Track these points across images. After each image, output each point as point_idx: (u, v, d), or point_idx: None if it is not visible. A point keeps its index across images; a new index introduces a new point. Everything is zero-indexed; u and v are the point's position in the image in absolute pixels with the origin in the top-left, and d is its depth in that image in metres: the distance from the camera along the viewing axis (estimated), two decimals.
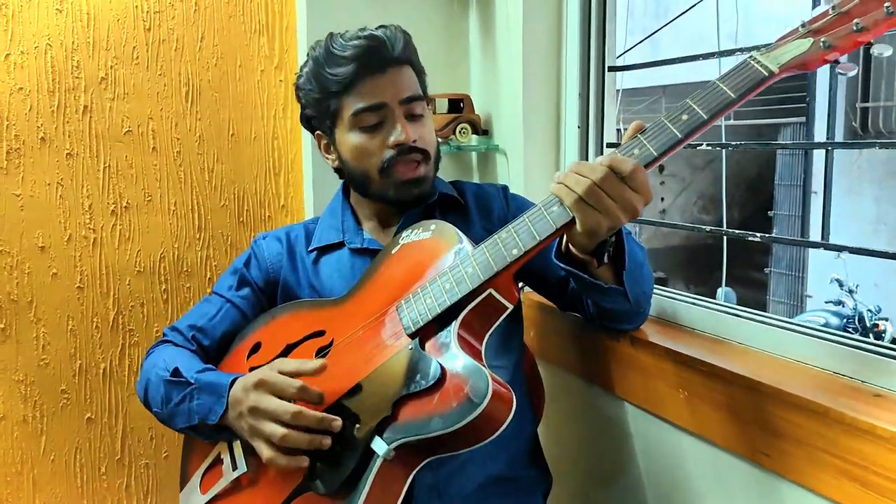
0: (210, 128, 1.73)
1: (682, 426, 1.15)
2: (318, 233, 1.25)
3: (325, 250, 1.23)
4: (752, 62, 0.88)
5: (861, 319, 5.61)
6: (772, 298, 8.67)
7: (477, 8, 1.77)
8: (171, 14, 1.67)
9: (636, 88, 9.76)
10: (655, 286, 1.31)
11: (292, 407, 0.94)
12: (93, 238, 1.65)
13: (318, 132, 1.23)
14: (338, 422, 0.95)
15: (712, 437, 1.10)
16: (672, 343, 1.18)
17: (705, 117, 0.88)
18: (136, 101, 1.66)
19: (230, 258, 1.75)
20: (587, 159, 1.59)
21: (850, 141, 1.78)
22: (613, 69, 1.56)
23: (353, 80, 1.13)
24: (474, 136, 1.75)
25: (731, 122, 8.41)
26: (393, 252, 1.11)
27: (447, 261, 1.01)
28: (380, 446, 0.91)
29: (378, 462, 0.91)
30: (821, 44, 0.85)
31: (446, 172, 1.77)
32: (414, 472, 0.92)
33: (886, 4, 0.80)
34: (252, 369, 1.12)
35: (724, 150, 5.64)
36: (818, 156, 7.16)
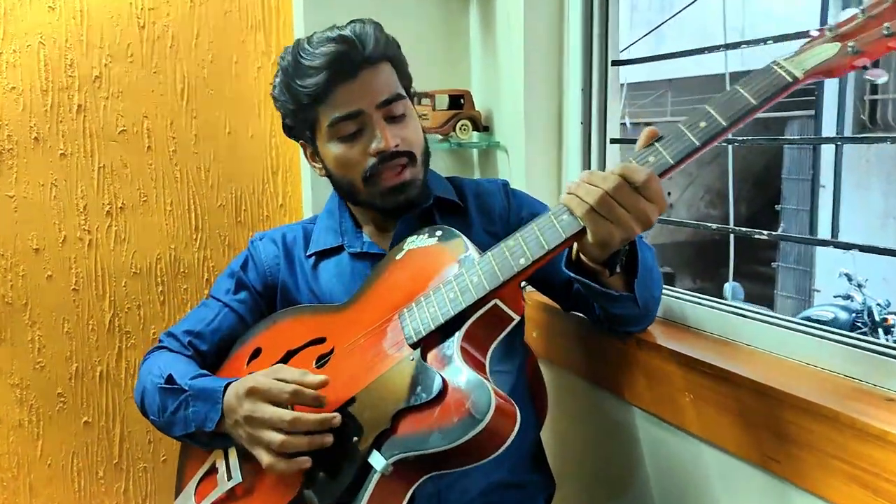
0: (206, 126, 1.70)
1: (688, 430, 1.12)
2: (317, 235, 1.22)
3: (324, 254, 1.20)
4: (775, 67, 0.84)
5: (870, 314, 5.58)
6: (779, 293, 8.63)
7: (477, 2, 1.74)
8: (166, 11, 1.64)
9: (642, 82, 9.72)
10: (668, 288, 1.28)
11: (288, 414, 0.91)
12: (88, 239, 1.63)
13: (301, 141, 1.19)
14: (337, 418, 0.92)
15: (720, 442, 1.07)
16: (678, 345, 1.15)
17: (725, 124, 0.84)
18: (131, 99, 1.63)
19: (228, 258, 1.72)
20: (590, 155, 1.56)
21: (858, 135, 1.74)
22: (617, 63, 1.52)
23: (325, 90, 1.07)
24: (475, 133, 1.71)
25: None
26: (397, 258, 1.08)
27: (452, 269, 0.98)
28: (377, 461, 0.88)
29: (375, 477, 0.88)
30: (848, 49, 0.80)
31: (447, 171, 1.74)
32: (413, 487, 0.90)
33: None
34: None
35: (730, 145, 5.58)
36: (826, 150, 7.10)
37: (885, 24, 0.79)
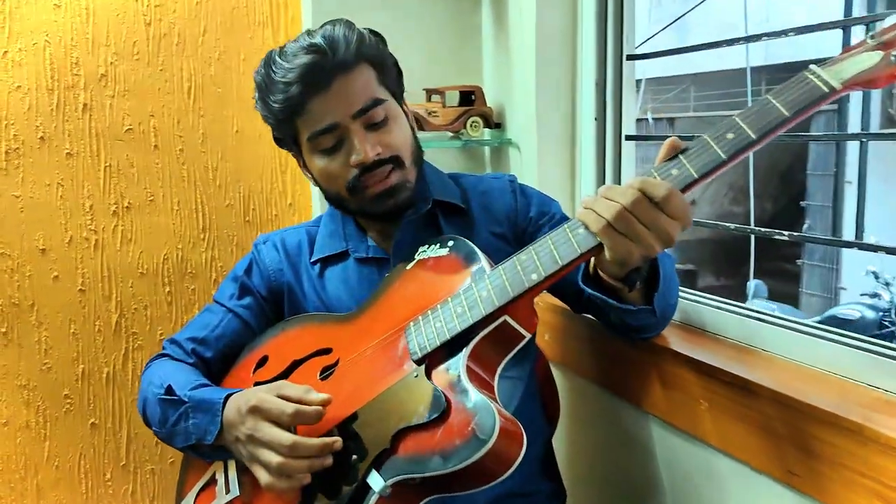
0: (214, 125, 1.68)
1: (705, 440, 1.08)
2: (321, 241, 1.18)
3: (329, 260, 1.17)
4: (810, 76, 0.77)
5: None
6: (804, 291, 8.49)
7: None
8: (172, 8, 1.62)
9: (664, 77, 9.61)
10: (682, 289, 1.23)
11: (289, 438, 0.88)
12: (94, 239, 1.61)
13: (291, 152, 1.15)
14: (339, 442, 0.89)
15: (737, 453, 1.02)
16: (694, 351, 1.10)
17: (754, 137, 0.78)
18: (137, 98, 1.61)
19: (236, 258, 1.69)
20: (604, 153, 1.51)
21: (884, 132, 1.67)
22: (632, 58, 1.47)
23: (299, 104, 1.02)
24: (486, 130, 1.67)
25: None
26: (408, 268, 1.04)
27: (462, 282, 0.94)
28: (376, 482, 0.85)
29: (373, 499, 0.85)
30: (892, 58, 0.74)
31: (458, 168, 1.70)
32: None
33: None
34: (258, 384, 1.07)
35: None
36: (852, 144, 6.96)
37: None
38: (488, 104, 1.68)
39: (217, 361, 1.15)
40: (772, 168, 9.91)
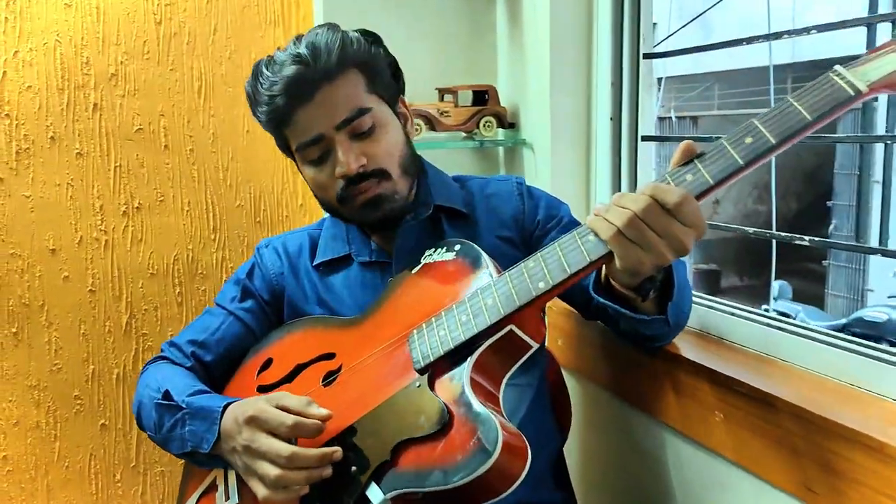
0: (224, 124, 1.66)
1: (719, 452, 1.04)
2: (323, 244, 1.16)
3: (331, 264, 1.15)
4: (834, 78, 0.73)
5: None
6: (830, 292, 8.37)
7: None
8: (183, 6, 1.61)
9: (687, 75, 9.50)
10: (697, 294, 1.19)
11: (287, 449, 0.85)
12: (104, 240, 1.61)
13: (290, 159, 1.13)
14: (338, 452, 0.86)
15: (753, 467, 0.98)
16: (708, 360, 1.06)
17: (773, 142, 0.74)
18: (147, 97, 1.60)
19: (246, 259, 1.68)
20: (620, 153, 1.48)
21: None
22: (649, 56, 1.43)
23: (285, 116, 1.01)
24: (500, 130, 1.64)
25: None
26: (413, 272, 1.02)
27: (467, 288, 0.91)
28: (375, 495, 0.82)
29: None
30: None
31: (470, 170, 1.67)
32: None
33: None
34: (261, 387, 1.06)
35: None
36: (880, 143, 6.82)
37: None
38: (503, 104, 1.65)
39: (217, 365, 1.13)
40: (798, 166, 9.76)
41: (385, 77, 1.06)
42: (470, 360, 0.85)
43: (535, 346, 0.88)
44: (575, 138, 1.53)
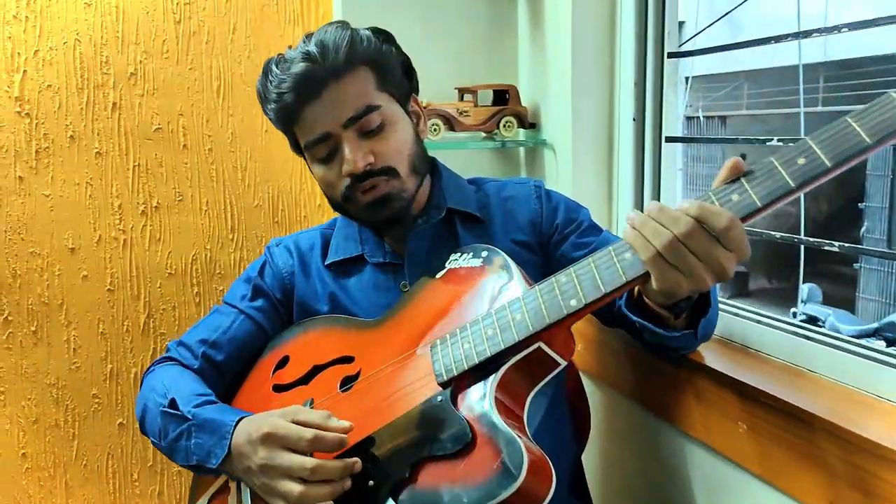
0: (243, 124, 1.66)
1: (742, 464, 1.00)
2: (335, 244, 1.14)
3: (343, 264, 1.12)
4: None
5: None
6: (861, 295, 8.19)
7: None
8: (202, 5, 1.60)
9: (716, 74, 9.37)
10: (723, 301, 1.15)
11: (310, 462, 0.82)
12: (123, 239, 1.61)
13: (302, 158, 1.12)
14: (358, 463, 0.84)
15: (776, 481, 0.94)
16: (733, 370, 1.02)
17: (829, 165, 0.69)
18: (166, 96, 1.60)
19: None
20: (643, 155, 1.44)
21: None
22: (673, 55, 1.39)
23: (294, 114, 1.00)
24: (521, 130, 1.61)
25: (813, 109, 7.95)
26: (437, 277, 0.99)
27: (494, 299, 0.88)
28: None
29: None
30: None
31: (490, 171, 1.65)
32: None
33: None
34: (276, 386, 1.03)
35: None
36: None
37: None
38: (524, 103, 1.62)
39: (228, 365, 1.11)
40: None
41: (396, 75, 1.04)
42: (495, 378, 0.82)
43: (564, 363, 0.84)
44: (597, 139, 1.50)
